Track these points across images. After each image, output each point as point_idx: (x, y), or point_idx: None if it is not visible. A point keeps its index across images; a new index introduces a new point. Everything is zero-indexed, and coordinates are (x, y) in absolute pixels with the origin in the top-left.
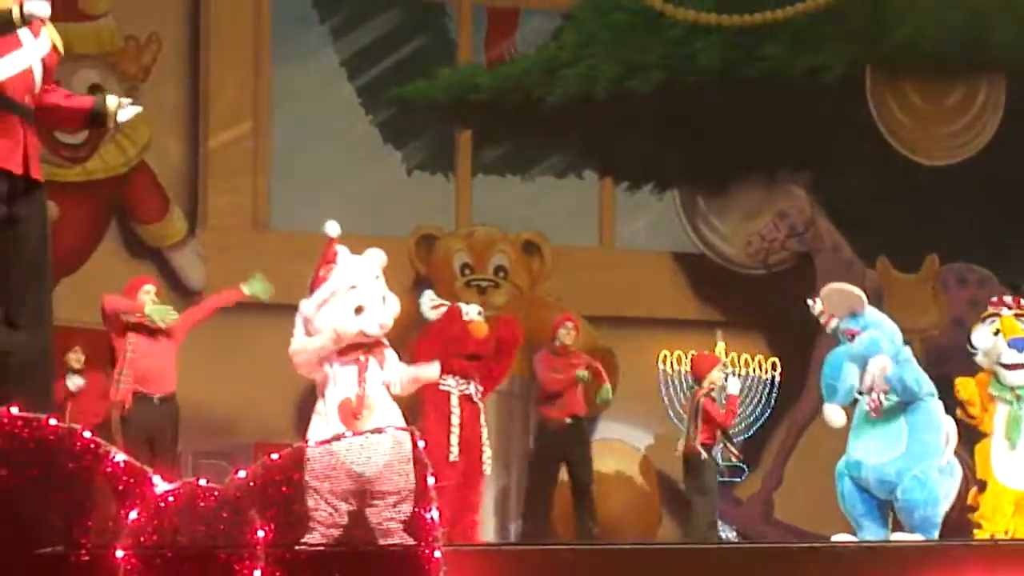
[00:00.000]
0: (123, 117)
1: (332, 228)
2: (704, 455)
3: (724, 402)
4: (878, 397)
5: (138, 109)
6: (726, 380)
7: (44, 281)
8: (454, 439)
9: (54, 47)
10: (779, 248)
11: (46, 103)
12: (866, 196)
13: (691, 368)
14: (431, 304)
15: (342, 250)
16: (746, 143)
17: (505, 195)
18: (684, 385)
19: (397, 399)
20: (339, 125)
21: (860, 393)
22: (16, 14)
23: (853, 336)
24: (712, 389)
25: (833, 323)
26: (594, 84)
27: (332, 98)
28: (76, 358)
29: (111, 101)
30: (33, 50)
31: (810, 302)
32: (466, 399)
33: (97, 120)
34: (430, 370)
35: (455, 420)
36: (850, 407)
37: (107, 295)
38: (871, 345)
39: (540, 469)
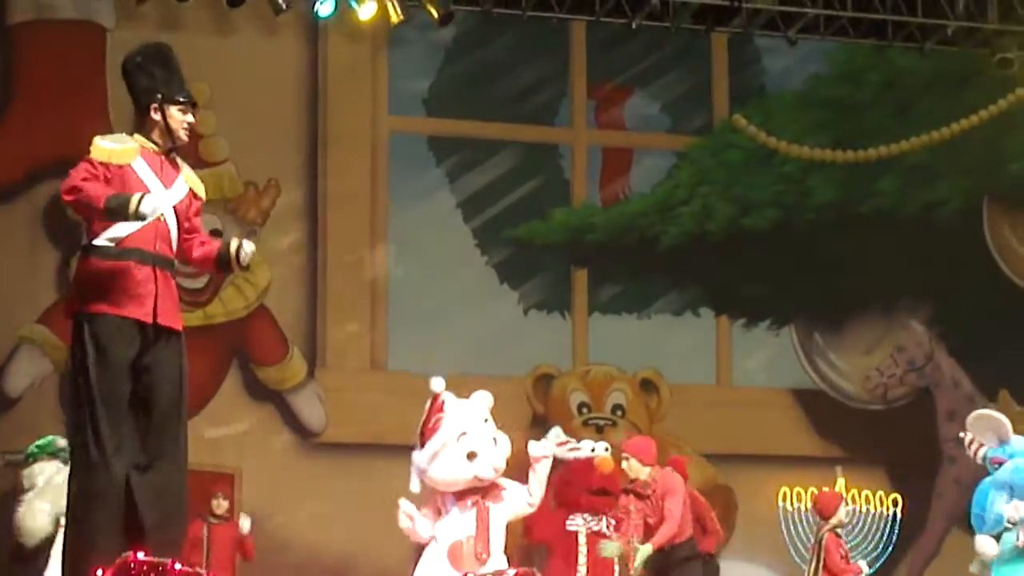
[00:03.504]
0: (244, 261)
1: (437, 384)
2: None
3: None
4: None
5: (252, 248)
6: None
7: (178, 428)
8: None
9: (192, 193)
10: (898, 383)
11: (183, 251)
12: (986, 329)
13: (815, 506)
14: (558, 441)
15: (448, 396)
16: (862, 278)
17: (622, 334)
18: (805, 522)
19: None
20: (455, 265)
21: (1008, 526)
22: (132, 208)
23: (1000, 464)
24: (838, 526)
25: (982, 452)
26: (709, 222)
27: (448, 239)
28: (218, 504)
29: (232, 246)
30: (163, 201)
31: (961, 434)
32: (596, 537)
33: (222, 264)
34: (541, 469)
35: (582, 559)
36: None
37: None
38: (1016, 473)
39: None
